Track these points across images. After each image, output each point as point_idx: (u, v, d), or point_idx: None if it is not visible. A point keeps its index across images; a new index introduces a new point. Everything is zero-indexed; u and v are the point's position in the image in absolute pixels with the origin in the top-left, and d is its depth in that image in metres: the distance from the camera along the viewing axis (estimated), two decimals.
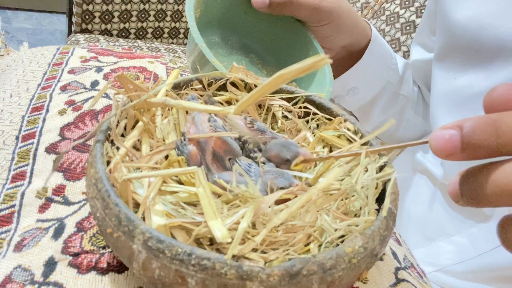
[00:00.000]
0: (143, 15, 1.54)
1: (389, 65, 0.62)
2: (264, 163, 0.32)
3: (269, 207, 0.25)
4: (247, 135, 0.33)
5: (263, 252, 0.24)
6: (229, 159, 0.31)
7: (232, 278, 0.21)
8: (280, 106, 0.38)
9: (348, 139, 0.35)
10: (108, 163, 0.27)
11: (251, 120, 0.35)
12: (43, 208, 0.32)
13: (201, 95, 0.37)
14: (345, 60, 0.58)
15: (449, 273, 0.52)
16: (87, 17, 1.47)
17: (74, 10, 1.45)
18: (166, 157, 0.30)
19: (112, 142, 0.28)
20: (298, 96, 0.38)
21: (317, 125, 0.37)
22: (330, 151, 0.36)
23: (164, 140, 0.31)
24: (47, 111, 0.41)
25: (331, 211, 0.27)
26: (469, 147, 0.23)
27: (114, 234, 0.23)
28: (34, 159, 0.36)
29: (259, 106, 0.39)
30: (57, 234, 0.30)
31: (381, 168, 0.31)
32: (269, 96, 0.38)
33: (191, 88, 0.36)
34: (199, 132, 0.32)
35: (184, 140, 0.30)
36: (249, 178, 0.28)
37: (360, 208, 0.29)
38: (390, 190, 0.28)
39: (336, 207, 0.28)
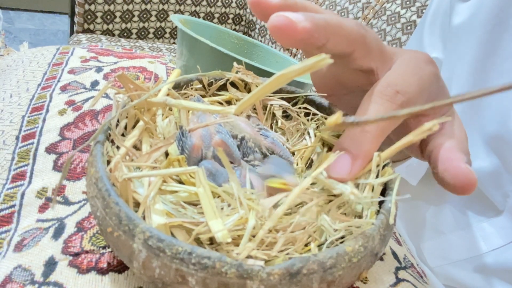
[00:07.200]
0: (144, 15, 1.55)
1: None
2: (259, 165, 0.32)
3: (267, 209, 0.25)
4: (248, 135, 0.33)
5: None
6: None
7: (233, 277, 0.21)
8: (280, 106, 0.38)
9: None
10: (108, 162, 0.27)
11: (260, 128, 0.35)
12: (43, 208, 0.32)
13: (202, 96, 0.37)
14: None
15: (460, 267, 0.51)
16: (89, 17, 1.47)
17: (76, 10, 1.46)
18: (167, 155, 0.30)
19: (112, 142, 0.28)
20: (298, 96, 0.38)
21: (317, 125, 0.37)
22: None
23: (164, 139, 0.31)
24: (47, 111, 0.41)
25: (331, 212, 0.27)
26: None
27: (115, 233, 0.23)
28: (34, 159, 0.36)
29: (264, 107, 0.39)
30: (57, 234, 0.30)
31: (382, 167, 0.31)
32: (269, 96, 0.38)
33: (191, 88, 0.36)
34: (205, 130, 0.32)
35: (184, 133, 0.30)
36: (235, 176, 0.28)
37: (362, 210, 0.29)
38: (394, 192, 0.28)
39: (337, 208, 0.28)
